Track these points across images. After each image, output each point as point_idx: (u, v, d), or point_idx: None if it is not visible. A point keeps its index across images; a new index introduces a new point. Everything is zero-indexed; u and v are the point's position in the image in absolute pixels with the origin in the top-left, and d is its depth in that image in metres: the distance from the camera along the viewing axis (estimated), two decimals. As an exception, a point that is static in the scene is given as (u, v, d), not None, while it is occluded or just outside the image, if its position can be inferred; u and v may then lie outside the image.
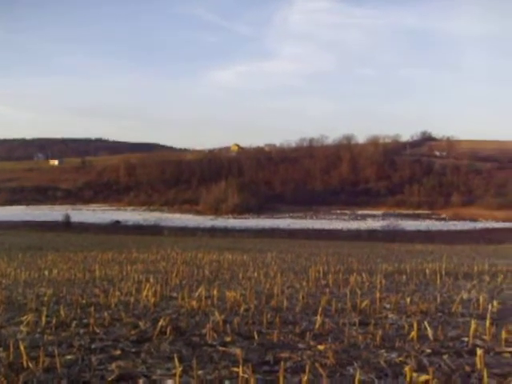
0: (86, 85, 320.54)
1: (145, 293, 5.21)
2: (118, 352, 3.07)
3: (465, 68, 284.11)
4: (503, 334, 3.40)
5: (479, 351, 2.82)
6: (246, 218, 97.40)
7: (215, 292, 5.22)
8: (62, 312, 4.14)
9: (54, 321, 3.88)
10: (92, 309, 4.25)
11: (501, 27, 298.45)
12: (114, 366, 2.76)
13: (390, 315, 4.30)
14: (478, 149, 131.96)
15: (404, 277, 7.67)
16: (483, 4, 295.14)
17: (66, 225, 67.10)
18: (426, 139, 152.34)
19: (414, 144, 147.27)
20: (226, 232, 57.76)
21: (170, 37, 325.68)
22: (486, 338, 3.45)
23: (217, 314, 4.04)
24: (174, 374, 2.54)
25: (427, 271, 8.38)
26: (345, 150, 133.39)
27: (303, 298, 5.14)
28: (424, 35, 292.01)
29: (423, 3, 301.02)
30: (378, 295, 4.98)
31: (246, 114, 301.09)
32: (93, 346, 3.22)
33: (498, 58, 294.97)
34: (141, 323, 3.86)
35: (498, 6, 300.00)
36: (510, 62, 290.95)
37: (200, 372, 2.64)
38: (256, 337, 3.43)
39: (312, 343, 3.29)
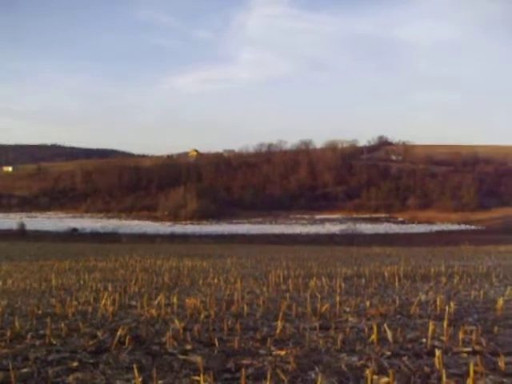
0: (40, 89, 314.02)
1: (103, 302, 5.12)
2: (76, 363, 3.00)
3: (419, 74, 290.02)
4: (460, 335, 3.46)
5: (437, 352, 2.86)
6: (205, 224, 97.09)
7: (175, 299, 5.17)
8: (16, 323, 4.02)
9: (8, 333, 3.76)
10: (48, 319, 4.14)
11: (452, 34, 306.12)
12: (71, 378, 2.69)
13: (350, 319, 4.33)
14: (433, 153, 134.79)
15: (363, 280, 7.74)
16: (435, 12, 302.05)
17: (21, 233, 65.60)
18: (383, 144, 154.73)
19: (370, 149, 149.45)
20: (186, 238, 57.49)
21: (128, 41, 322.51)
22: (444, 338, 3.50)
23: (177, 321, 4.00)
24: (134, 385, 2.50)
25: (386, 274, 8.48)
26: (303, 155, 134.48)
27: (264, 303, 5.14)
28: (378, 41, 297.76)
29: (377, 10, 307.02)
30: (337, 299, 5.01)
31: (204, 120, 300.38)
32: (49, 358, 3.13)
33: (450, 65, 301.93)
34: (99, 333, 3.79)
35: (449, 14, 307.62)
36: (461, 68, 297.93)
37: (160, 382, 2.60)
38: (217, 344, 3.40)
39: (273, 349, 3.28)
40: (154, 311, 4.63)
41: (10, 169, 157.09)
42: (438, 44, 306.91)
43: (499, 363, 2.82)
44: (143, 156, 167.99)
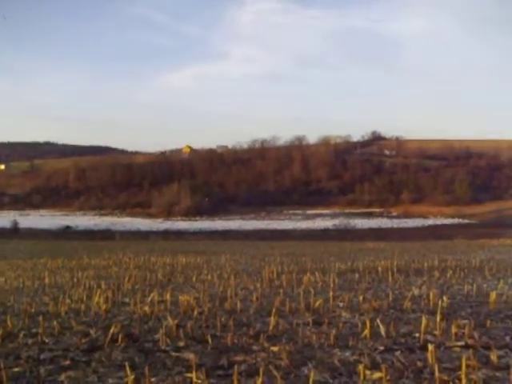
0: (33, 86, 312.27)
1: (96, 299, 5.10)
2: (68, 362, 2.99)
3: (413, 69, 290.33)
4: (453, 329, 3.46)
5: (430, 346, 2.87)
6: (199, 220, 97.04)
7: (168, 296, 5.15)
8: (8, 322, 3.99)
9: (0, 332, 3.75)
10: (41, 318, 4.12)
11: (447, 28, 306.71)
12: (63, 376, 2.68)
13: (344, 314, 4.33)
14: (426, 147, 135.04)
15: (357, 275, 7.75)
16: (431, 6, 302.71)
17: (14, 231, 65.28)
18: (376, 139, 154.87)
19: (364, 144, 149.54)
20: (180, 235, 57.37)
21: (120, 38, 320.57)
22: (437, 333, 3.51)
23: (170, 318, 3.99)
24: (126, 383, 2.48)
25: (379, 269, 8.50)
26: (296, 151, 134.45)
27: (257, 299, 5.13)
28: (373, 37, 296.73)
29: (373, 5, 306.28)
30: (331, 294, 5.01)
31: (197, 116, 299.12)
32: (41, 357, 3.11)
33: (444, 60, 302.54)
34: (92, 331, 3.77)
35: (442, 10, 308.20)
36: (454, 63, 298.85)
37: (153, 379, 2.59)
38: (210, 340, 3.40)
39: (266, 345, 3.28)
40: (147, 308, 4.62)
41: (2, 166, 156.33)
42: (432, 39, 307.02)
43: (491, 357, 2.83)
44: (136, 153, 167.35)
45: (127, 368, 2.61)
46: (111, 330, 3.56)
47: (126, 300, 5.41)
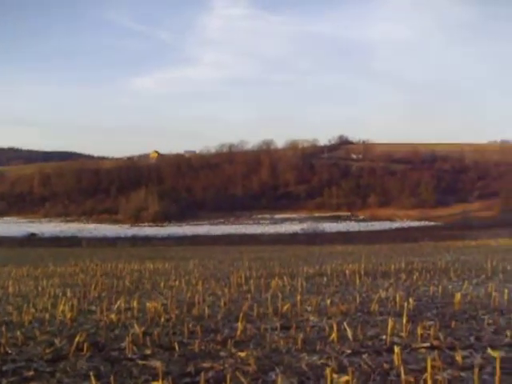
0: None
1: (61, 308, 5.01)
2: (32, 373, 2.92)
3: (378, 74, 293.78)
4: (419, 330, 3.50)
5: (396, 349, 2.89)
6: (167, 226, 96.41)
7: (135, 303, 5.09)
8: (-30, 333, 3.90)
9: (-39, 343, 3.65)
10: (3, 328, 4.03)
11: (413, 35, 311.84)
12: (26, 387, 2.62)
13: (311, 318, 4.34)
14: (392, 151, 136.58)
15: (325, 278, 7.79)
16: (395, 13, 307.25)
17: (-22, 239, 63.91)
18: (343, 143, 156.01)
19: (331, 148, 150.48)
20: (148, 241, 56.89)
21: (88, 42, 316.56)
22: (403, 335, 3.55)
23: (136, 326, 3.94)
24: (91, 392, 2.44)
25: (347, 272, 8.56)
26: (264, 155, 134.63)
27: (225, 304, 5.12)
28: (341, 42, 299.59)
29: (338, 11, 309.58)
30: (299, 298, 5.02)
31: (165, 121, 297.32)
32: (4, 368, 3.03)
33: (408, 65, 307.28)
34: (56, 340, 3.70)
35: (409, 15, 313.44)
36: (420, 68, 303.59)
37: (118, 388, 2.55)
38: (177, 348, 3.37)
39: (234, 351, 3.26)
40: (113, 316, 4.56)
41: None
42: (398, 45, 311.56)
43: (456, 357, 2.87)
44: (103, 158, 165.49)
45: (92, 378, 2.56)
46: (76, 339, 3.50)
47: (93, 308, 5.33)
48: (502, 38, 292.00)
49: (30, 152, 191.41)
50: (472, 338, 3.44)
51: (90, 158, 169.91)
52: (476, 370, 2.45)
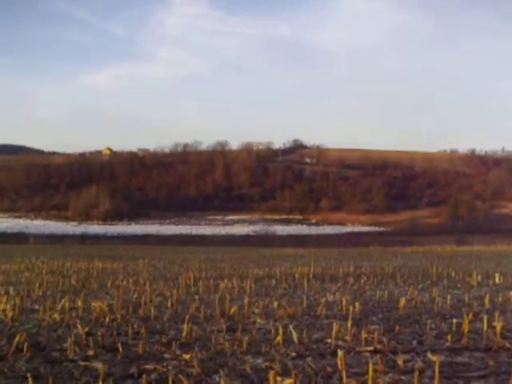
0: None
1: (2, 306, 4.87)
2: (-33, 373, 2.82)
3: (336, 78, 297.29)
4: (363, 334, 3.54)
5: (340, 352, 2.91)
6: (117, 224, 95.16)
7: (80, 303, 4.99)
8: None
9: None
10: None
11: (366, 40, 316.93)
12: (-41, 389, 2.53)
13: (258, 320, 4.34)
14: (345, 157, 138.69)
15: (274, 281, 7.82)
16: (352, 18, 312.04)
17: None
18: (298, 147, 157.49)
19: (285, 151, 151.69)
20: (97, 239, 56.11)
21: (39, 34, 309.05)
22: (348, 338, 3.58)
23: (80, 326, 3.86)
24: (28, 394, 2.37)
25: (296, 275, 8.61)
26: (219, 156, 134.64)
27: (172, 305, 5.07)
28: (296, 46, 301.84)
29: (296, 15, 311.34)
30: (246, 300, 5.02)
31: (119, 118, 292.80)
32: None
33: (362, 71, 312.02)
34: (-5, 340, 3.59)
35: (363, 21, 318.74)
36: (375, 75, 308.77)
37: (57, 390, 2.49)
38: (120, 349, 3.31)
39: (178, 352, 3.23)
40: (56, 316, 4.45)
41: None
42: (354, 51, 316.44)
43: (398, 361, 2.91)
44: (54, 153, 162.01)
45: (30, 379, 2.49)
46: (16, 339, 3.39)
47: (36, 307, 5.20)
48: (454, 47, 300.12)
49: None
50: (414, 342, 3.50)
51: (39, 152, 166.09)
52: (416, 374, 2.48)
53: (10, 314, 4.54)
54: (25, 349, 3.31)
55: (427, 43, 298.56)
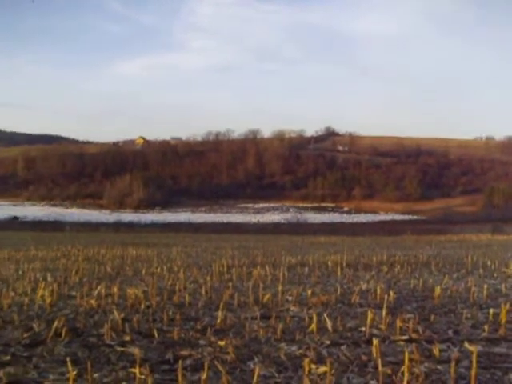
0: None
1: (41, 292, 4.97)
2: (8, 357, 2.89)
3: (366, 66, 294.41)
4: (398, 323, 3.52)
5: (375, 341, 2.90)
6: (151, 213, 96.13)
7: (116, 289, 5.07)
8: None
9: None
10: (-19, 311, 4.00)
11: (400, 27, 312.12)
12: (2, 373, 2.59)
13: (292, 308, 4.35)
14: (378, 144, 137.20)
15: (307, 269, 7.81)
16: (384, 4, 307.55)
17: (-41, 222, 63.31)
18: (330, 134, 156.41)
19: (318, 139, 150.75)
20: (131, 227, 56.75)
21: (73, 25, 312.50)
22: (382, 327, 3.56)
23: (116, 312, 3.92)
24: (68, 379, 2.42)
25: (329, 263, 8.59)
26: (251, 145, 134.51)
27: (206, 292, 5.11)
28: (330, 33, 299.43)
29: (329, 1, 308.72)
30: (280, 288, 5.03)
31: (152, 107, 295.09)
32: (-20, 352, 3.01)
33: (396, 57, 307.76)
34: (34, 325, 3.67)
35: (398, 7, 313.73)
36: (408, 61, 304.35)
37: (96, 375, 2.54)
38: (156, 335, 3.36)
39: (213, 339, 3.26)
40: (93, 302, 4.53)
41: None
42: (387, 37, 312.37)
43: (434, 350, 2.89)
44: (88, 143, 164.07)
45: (69, 363, 2.54)
46: (55, 324, 3.47)
47: (73, 293, 5.30)
48: (492, 32, 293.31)
49: (13, 134, 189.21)
50: (450, 332, 3.47)
51: (74, 142, 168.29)
52: (453, 364, 2.46)
53: (48, 300, 4.63)
54: (63, 334, 3.38)
55: (465, 28, 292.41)
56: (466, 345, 3.00)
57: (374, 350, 2.86)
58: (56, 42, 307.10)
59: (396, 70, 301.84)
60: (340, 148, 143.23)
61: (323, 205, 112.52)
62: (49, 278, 6.62)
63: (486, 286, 5.22)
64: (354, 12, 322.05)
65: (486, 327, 3.51)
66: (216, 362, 2.66)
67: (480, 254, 11.97)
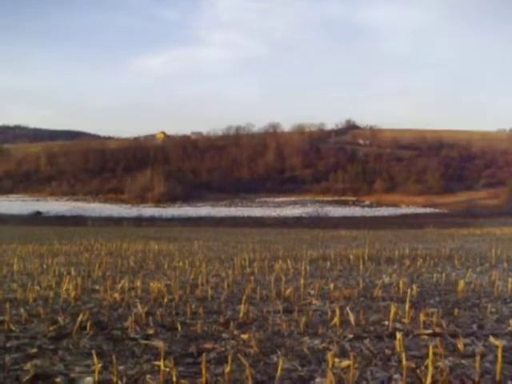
0: (3, 70, 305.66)
1: (65, 286, 5.04)
2: (35, 350, 2.94)
3: (387, 58, 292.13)
4: (421, 317, 3.50)
5: (399, 334, 2.89)
6: (172, 207, 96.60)
7: (139, 283, 5.12)
8: (-26, 309, 3.93)
9: (-35, 319, 3.68)
10: (8, 305, 4.05)
11: (421, 20, 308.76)
12: (29, 365, 2.64)
13: (314, 301, 4.35)
14: (399, 137, 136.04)
15: (328, 263, 7.80)
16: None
17: (-16, 217, 64.23)
18: (350, 128, 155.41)
19: (338, 132, 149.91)
20: (153, 221, 57.11)
21: (94, 21, 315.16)
22: (406, 321, 3.55)
23: (139, 306, 3.96)
24: (94, 371, 2.45)
25: (351, 257, 8.56)
26: (271, 139, 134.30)
27: (228, 286, 5.13)
28: (350, 25, 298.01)
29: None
30: (302, 282, 5.03)
31: (172, 102, 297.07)
32: (8, 345, 3.06)
33: (418, 49, 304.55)
34: (60, 318, 3.72)
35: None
36: (429, 53, 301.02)
37: (121, 367, 2.56)
38: (179, 328, 3.38)
39: (236, 332, 3.27)
40: (117, 295, 4.58)
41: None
42: (407, 29, 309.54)
43: (458, 345, 2.87)
44: (109, 138, 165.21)
45: (94, 356, 2.57)
46: (80, 318, 3.52)
47: (96, 287, 5.36)
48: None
49: (36, 130, 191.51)
50: (474, 326, 3.44)
51: (95, 137, 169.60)
52: (477, 358, 2.45)
53: (72, 294, 4.69)
54: (88, 327, 3.43)
55: (489, 19, 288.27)
56: (491, 339, 2.97)
57: (397, 343, 2.85)
58: (78, 38, 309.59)
59: (418, 61, 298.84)
60: (361, 141, 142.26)
61: (344, 198, 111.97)
62: (73, 272, 6.69)
63: (510, 280, 5.16)
64: (374, 3, 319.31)
65: (510, 321, 3.48)
66: (239, 355, 2.67)
67: (504, 247, 11.83)
